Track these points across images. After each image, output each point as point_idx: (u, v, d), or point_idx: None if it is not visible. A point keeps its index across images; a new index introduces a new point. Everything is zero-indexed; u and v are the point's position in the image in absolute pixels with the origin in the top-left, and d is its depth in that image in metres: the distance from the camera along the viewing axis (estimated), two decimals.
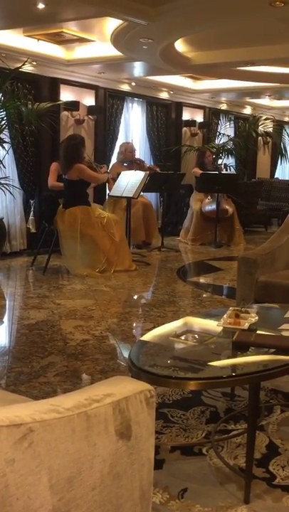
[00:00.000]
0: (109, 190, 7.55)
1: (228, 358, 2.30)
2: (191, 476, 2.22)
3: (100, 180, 6.72)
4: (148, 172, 7.22)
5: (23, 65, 6.29)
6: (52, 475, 1.02)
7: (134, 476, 1.20)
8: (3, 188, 6.47)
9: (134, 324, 4.50)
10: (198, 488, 2.15)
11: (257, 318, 2.57)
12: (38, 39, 6.68)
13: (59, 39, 6.67)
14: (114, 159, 8.61)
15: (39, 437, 1.00)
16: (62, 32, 6.29)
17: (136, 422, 1.19)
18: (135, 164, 8.11)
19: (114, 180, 7.29)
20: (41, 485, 1.00)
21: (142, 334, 3.65)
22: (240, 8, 4.85)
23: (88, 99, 8.41)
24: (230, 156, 11.03)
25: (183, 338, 2.49)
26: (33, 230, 7.59)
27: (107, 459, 1.13)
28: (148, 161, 8.71)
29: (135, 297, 5.51)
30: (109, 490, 1.14)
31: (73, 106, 8.03)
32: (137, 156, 8.64)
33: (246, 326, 2.46)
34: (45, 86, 7.65)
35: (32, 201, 7.60)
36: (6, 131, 6.61)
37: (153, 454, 1.27)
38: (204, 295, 5.54)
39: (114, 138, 8.93)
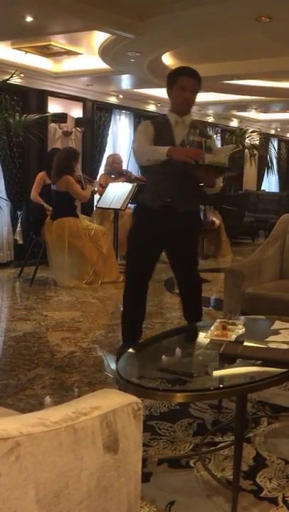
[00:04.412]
0: (100, 194, 7.54)
1: (216, 369, 2.30)
2: (178, 489, 2.21)
3: (84, 199, 6.68)
4: (136, 184, 7.24)
5: (11, 77, 6.30)
6: (39, 489, 1.01)
7: (122, 490, 1.20)
8: None
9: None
10: (186, 500, 2.14)
11: (244, 329, 2.58)
12: (26, 51, 6.71)
13: (47, 52, 6.70)
14: (101, 171, 8.63)
15: (26, 451, 1.00)
16: (50, 45, 6.32)
17: (123, 434, 1.19)
18: (122, 176, 8.13)
19: (104, 187, 7.30)
20: (28, 499, 1.00)
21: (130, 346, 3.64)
22: (227, 22, 4.92)
23: (76, 111, 8.44)
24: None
25: (170, 349, 2.49)
26: (20, 242, 7.57)
27: (95, 473, 1.12)
28: (135, 173, 8.74)
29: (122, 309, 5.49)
30: (96, 504, 1.13)
31: (61, 118, 8.05)
32: (124, 167, 8.67)
33: (233, 337, 2.47)
34: (33, 98, 7.67)
35: (19, 212, 7.59)
36: None
37: (140, 467, 1.27)
38: None
39: (102, 150, 8.96)
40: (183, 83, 3.45)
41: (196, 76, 3.49)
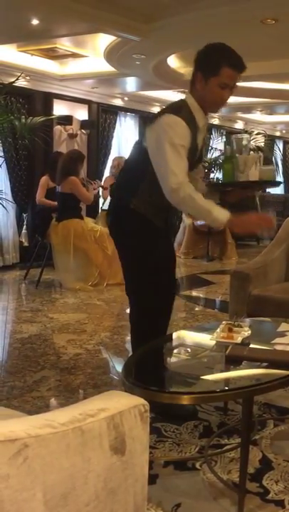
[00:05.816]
0: (104, 198, 7.56)
1: (222, 372, 2.30)
2: (184, 491, 2.21)
3: (88, 201, 6.67)
4: None
5: (17, 79, 6.31)
6: (46, 491, 1.02)
7: (129, 492, 1.20)
8: None
9: (127, 338, 4.49)
10: (192, 503, 2.14)
11: (250, 332, 2.57)
12: (32, 54, 6.74)
13: (52, 54, 6.73)
14: (106, 173, 8.65)
15: (34, 453, 1.00)
16: (55, 47, 6.34)
17: (130, 436, 1.19)
18: None
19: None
20: (36, 501, 1.00)
21: None
22: (232, 25, 4.92)
23: (81, 114, 8.47)
24: (222, 171, 11.09)
25: (176, 352, 2.49)
26: (25, 244, 7.59)
27: (102, 474, 1.12)
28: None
29: (128, 311, 5.50)
30: (103, 505, 1.13)
31: (66, 120, 8.08)
32: None
33: (239, 340, 2.46)
34: (38, 100, 7.70)
35: (25, 215, 7.61)
36: None
37: (147, 469, 1.27)
38: (197, 309, 5.54)
39: (107, 152, 8.97)
40: (227, 79, 2.57)
41: (244, 70, 2.64)
